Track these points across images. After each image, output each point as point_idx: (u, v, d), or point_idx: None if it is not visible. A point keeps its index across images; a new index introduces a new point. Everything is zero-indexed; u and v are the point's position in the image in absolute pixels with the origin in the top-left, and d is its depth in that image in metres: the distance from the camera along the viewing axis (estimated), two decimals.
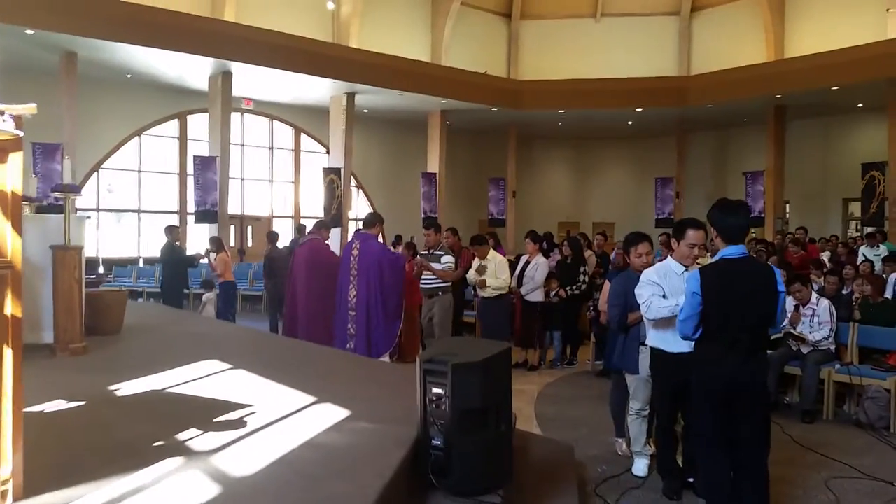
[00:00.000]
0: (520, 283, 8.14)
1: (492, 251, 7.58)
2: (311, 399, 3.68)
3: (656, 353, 3.96)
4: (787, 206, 18.71)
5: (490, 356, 2.92)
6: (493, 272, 7.28)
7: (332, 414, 3.42)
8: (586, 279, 8.27)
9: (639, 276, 4.07)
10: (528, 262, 8.18)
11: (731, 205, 3.47)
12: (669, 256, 4.07)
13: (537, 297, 8.09)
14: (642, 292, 3.87)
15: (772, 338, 5.63)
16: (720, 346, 3.34)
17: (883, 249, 13.24)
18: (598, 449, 4.99)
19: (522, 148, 22.39)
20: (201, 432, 3.07)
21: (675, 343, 3.76)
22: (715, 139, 22.23)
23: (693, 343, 3.48)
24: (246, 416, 3.38)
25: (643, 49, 21.19)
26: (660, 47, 21.38)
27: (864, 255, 12.58)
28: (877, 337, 6.24)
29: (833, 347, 6.11)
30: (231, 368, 4.61)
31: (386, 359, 6.54)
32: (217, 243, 10.71)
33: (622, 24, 21.50)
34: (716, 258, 3.46)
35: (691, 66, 21.03)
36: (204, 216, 15.65)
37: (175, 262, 10.32)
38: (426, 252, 7.27)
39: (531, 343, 8.21)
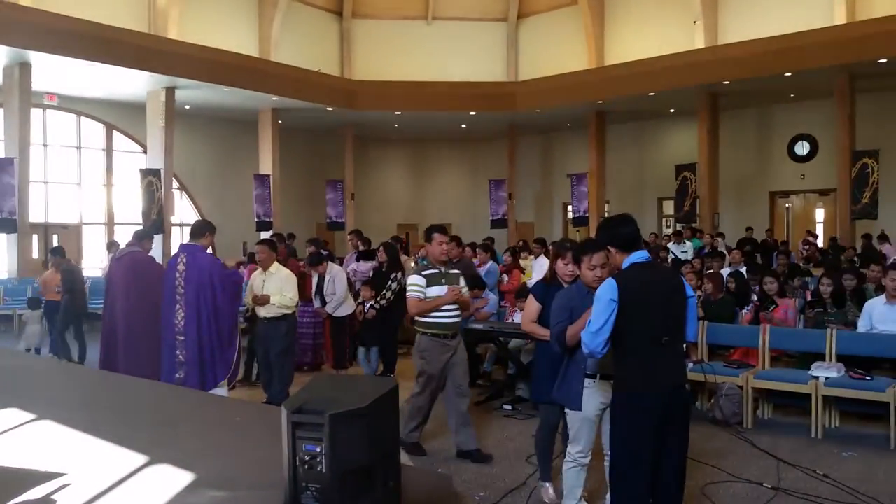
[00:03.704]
0: (322, 302, 7.74)
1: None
2: (142, 459, 2.97)
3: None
4: (607, 205, 19.71)
5: (376, 399, 2.41)
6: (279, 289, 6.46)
7: (170, 480, 2.74)
8: (397, 287, 7.60)
9: (587, 291, 3.58)
10: (321, 277, 7.81)
11: (616, 219, 3.37)
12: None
13: (346, 310, 7.77)
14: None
15: None
16: (647, 355, 3.06)
17: (689, 246, 14.24)
18: (468, 472, 4.69)
19: (359, 149, 21.90)
20: None
21: None
22: (542, 142, 23.02)
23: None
24: (56, 491, 2.63)
25: (474, 53, 21.46)
26: (489, 52, 21.76)
27: (672, 252, 13.44)
28: (721, 334, 6.47)
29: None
30: (35, 419, 3.73)
31: (224, 391, 5.79)
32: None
33: (453, 27, 21.63)
34: (625, 265, 3.19)
35: (519, 71, 21.60)
36: (1, 225, 13.67)
37: None
38: (433, 269, 5.09)
39: (344, 363, 7.85)
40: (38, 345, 9.44)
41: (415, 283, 5.03)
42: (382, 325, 7.60)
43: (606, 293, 3.06)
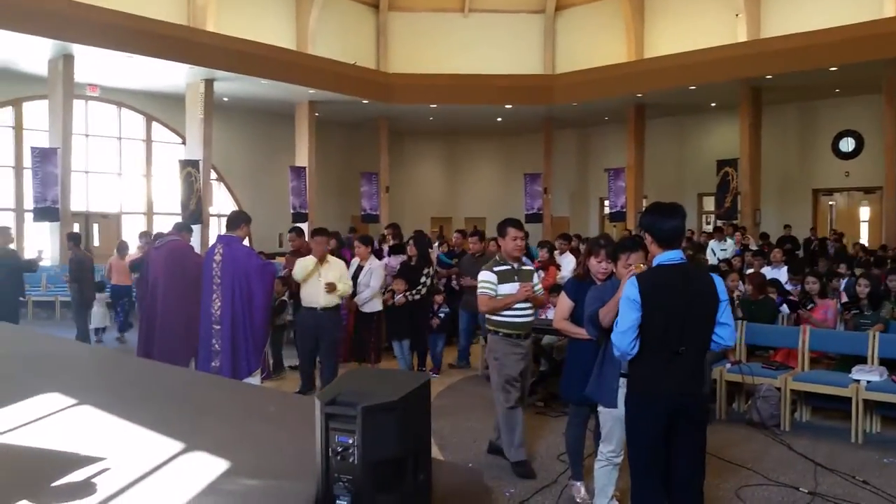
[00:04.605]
0: (355, 292, 7.37)
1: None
2: (179, 446, 3.01)
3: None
4: (645, 200, 19.46)
5: (408, 392, 2.41)
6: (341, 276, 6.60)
7: (206, 467, 2.78)
8: (429, 281, 7.67)
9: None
10: (360, 267, 7.49)
11: (666, 207, 3.16)
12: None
13: (375, 306, 7.53)
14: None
15: None
16: (661, 361, 3.02)
17: (729, 244, 13.94)
18: (500, 468, 4.66)
19: (394, 142, 21.96)
20: None
21: None
22: (579, 136, 22.82)
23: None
24: (96, 475, 2.68)
25: (510, 46, 21.32)
26: (526, 44, 21.60)
27: (712, 250, 13.18)
28: (762, 334, 6.34)
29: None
30: (76, 404, 3.80)
31: (256, 379, 5.85)
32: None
33: (489, 20, 21.51)
34: (655, 262, 3.14)
35: (556, 64, 21.41)
36: (44, 213, 14.02)
37: (8, 268, 9.03)
38: (505, 265, 4.85)
39: (366, 357, 7.65)
40: (101, 324, 10.13)
41: (486, 279, 4.78)
42: (411, 318, 7.60)
43: (629, 292, 3.02)
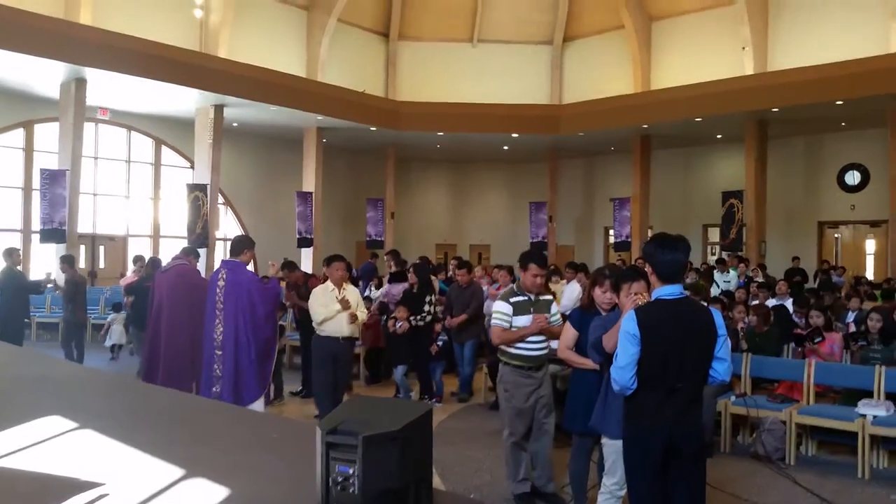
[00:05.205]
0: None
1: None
2: (179, 472, 3.00)
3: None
4: (650, 230, 19.47)
5: (410, 422, 2.40)
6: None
7: (206, 494, 2.77)
8: (433, 309, 7.73)
9: None
10: None
11: (669, 239, 3.14)
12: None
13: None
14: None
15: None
16: (657, 395, 3.00)
17: (732, 275, 13.89)
18: (503, 500, 4.62)
19: (401, 169, 22.07)
20: None
21: None
22: (584, 166, 22.91)
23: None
24: (95, 501, 2.67)
25: (518, 76, 21.50)
26: (534, 75, 21.78)
27: (716, 282, 13.13)
28: (766, 367, 6.30)
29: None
30: (77, 428, 3.80)
31: (260, 406, 5.82)
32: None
33: (497, 50, 21.73)
34: (653, 296, 3.13)
35: (563, 95, 21.56)
36: (50, 235, 14.07)
37: (15, 289, 9.07)
38: (522, 296, 4.76)
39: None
40: (119, 341, 10.77)
41: (500, 310, 4.67)
42: (413, 344, 7.59)
43: (628, 326, 3.02)
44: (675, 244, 3.12)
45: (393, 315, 7.84)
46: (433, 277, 9.30)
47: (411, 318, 7.52)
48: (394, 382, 7.90)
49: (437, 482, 4.91)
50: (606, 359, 3.46)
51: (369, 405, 2.79)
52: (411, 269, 8.15)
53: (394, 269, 9.76)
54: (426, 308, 7.63)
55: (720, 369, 3.13)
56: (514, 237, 22.33)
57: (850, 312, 8.47)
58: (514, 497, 4.60)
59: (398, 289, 8.76)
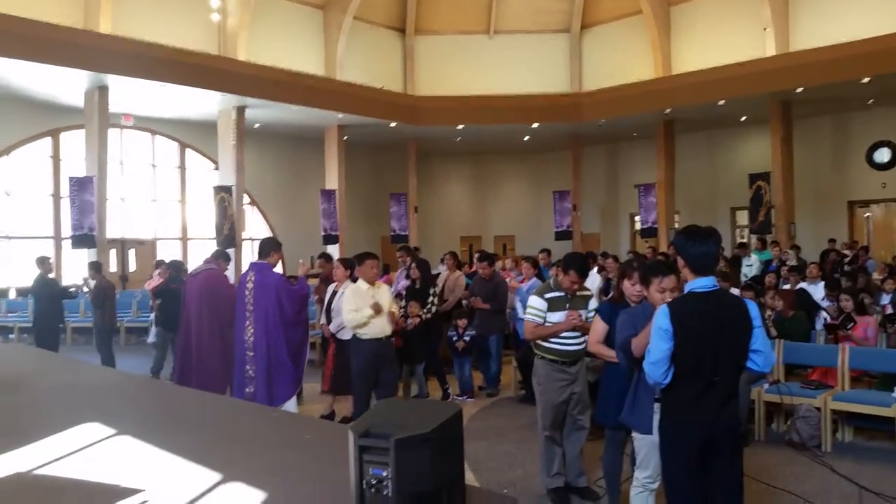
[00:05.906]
0: (329, 319, 6.90)
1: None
2: (216, 477, 3.06)
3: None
4: (677, 216, 19.29)
5: (441, 423, 2.41)
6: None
7: (243, 499, 2.82)
8: (435, 300, 7.87)
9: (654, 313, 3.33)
10: (335, 293, 6.92)
11: (699, 232, 3.10)
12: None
13: (348, 334, 6.45)
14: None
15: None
16: (694, 390, 2.98)
17: (754, 259, 13.69)
18: (538, 496, 4.63)
19: (422, 163, 22.08)
20: None
21: None
22: (607, 153, 22.72)
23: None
24: None
25: (536, 65, 21.37)
26: (552, 64, 21.63)
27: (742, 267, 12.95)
28: (799, 353, 6.22)
29: None
30: (116, 434, 3.88)
31: (293, 405, 5.89)
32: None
33: (515, 41, 21.60)
34: (686, 289, 3.10)
35: (583, 82, 21.38)
36: (81, 241, 14.32)
37: (49, 296, 9.26)
38: (558, 292, 4.72)
39: (345, 389, 6.57)
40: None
41: (535, 305, 4.65)
42: (425, 339, 7.65)
43: (660, 321, 2.99)
44: (706, 236, 3.07)
45: (403, 314, 7.83)
46: (458, 272, 9.34)
47: (421, 313, 7.64)
48: (411, 382, 7.85)
49: (470, 478, 4.94)
50: (633, 362, 3.43)
51: (400, 407, 2.81)
52: (413, 265, 8.19)
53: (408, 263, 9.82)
54: (430, 299, 7.79)
55: (759, 361, 3.08)
56: (538, 227, 22.26)
57: (884, 294, 8.31)
58: (547, 492, 4.60)
59: (404, 283, 8.89)
